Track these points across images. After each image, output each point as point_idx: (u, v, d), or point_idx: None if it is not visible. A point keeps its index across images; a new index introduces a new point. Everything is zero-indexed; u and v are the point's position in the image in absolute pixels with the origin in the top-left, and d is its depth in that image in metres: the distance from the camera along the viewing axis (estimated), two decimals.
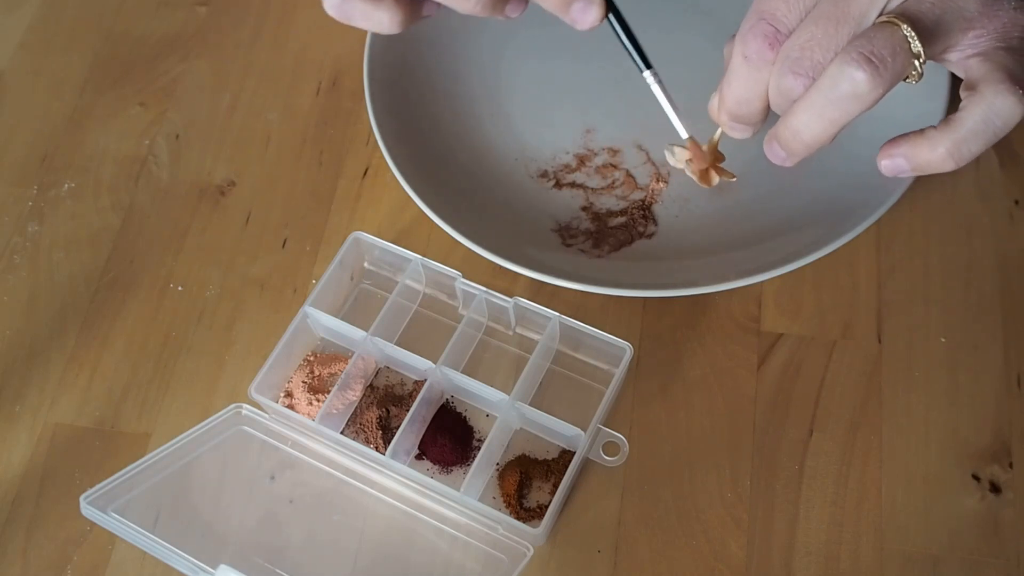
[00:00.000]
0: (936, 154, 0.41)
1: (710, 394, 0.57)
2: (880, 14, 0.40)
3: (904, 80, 0.40)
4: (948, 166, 0.41)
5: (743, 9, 0.44)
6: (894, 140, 0.42)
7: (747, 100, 0.44)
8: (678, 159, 0.51)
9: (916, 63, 0.39)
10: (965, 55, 0.41)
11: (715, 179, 0.50)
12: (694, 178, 0.50)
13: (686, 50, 0.69)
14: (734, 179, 0.50)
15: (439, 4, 0.46)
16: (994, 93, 0.40)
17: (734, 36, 0.44)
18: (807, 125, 0.41)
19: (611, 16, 0.47)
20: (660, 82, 0.49)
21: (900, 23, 0.39)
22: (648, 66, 0.49)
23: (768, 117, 0.45)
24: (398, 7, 0.45)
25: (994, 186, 0.63)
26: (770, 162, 0.45)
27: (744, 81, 0.43)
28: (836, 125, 0.40)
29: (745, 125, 0.46)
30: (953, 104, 0.59)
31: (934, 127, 0.41)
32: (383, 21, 0.45)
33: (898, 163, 0.42)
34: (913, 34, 0.39)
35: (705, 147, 0.50)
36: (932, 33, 0.40)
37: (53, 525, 0.55)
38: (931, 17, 0.40)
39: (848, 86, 0.39)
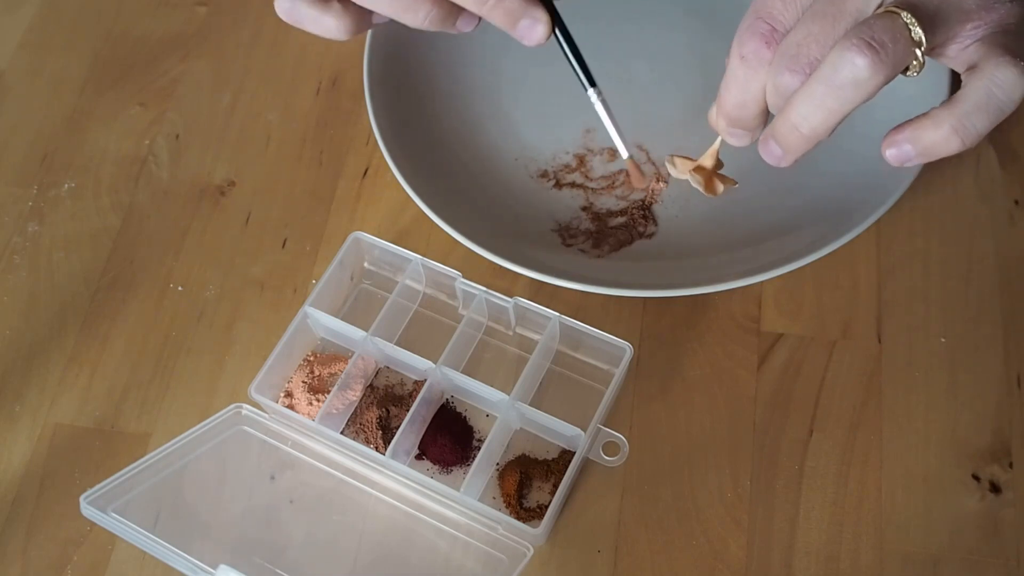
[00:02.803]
0: (940, 132, 0.40)
1: (710, 394, 0.57)
2: (877, 8, 0.40)
3: (905, 73, 0.40)
4: (954, 144, 0.40)
5: (743, 11, 0.44)
6: (897, 127, 0.42)
7: (744, 103, 0.43)
8: (680, 170, 0.50)
9: (917, 52, 0.39)
10: (963, 46, 0.41)
11: (720, 188, 0.50)
12: (700, 189, 0.50)
13: (687, 52, 0.69)
14: (736, 185, 0.50)
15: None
16: (995, 65, 0.39)
17: None
18: (806, 116, 0.40)
19: (557, 33, 0.47)
20: (604, 101, 0.48)
21: (899, 11, 0.39)
22: (592, 84, 0.48)
23: (766, 122, 0.45)
24: (346, 14, 0.46)
25: (994, 186, 0.63)
26: (770, 163, 0.45)
27: (741, 82, 0.43)
28: (836, 115, 0.40)
29: (743, 130, 0.45)
30: None
31: (936, 107, 0.41)
32: (331, 27, 0.46)
33: (904, 150, 0.41)
34: (913, 20, 0.39)
35: (706, 155, 0.50)
36: (932, 21, 0.39)
37: (53, 525, 0.55)
38: (930, 7, 0.40)
39: (849, 72, 0.38)
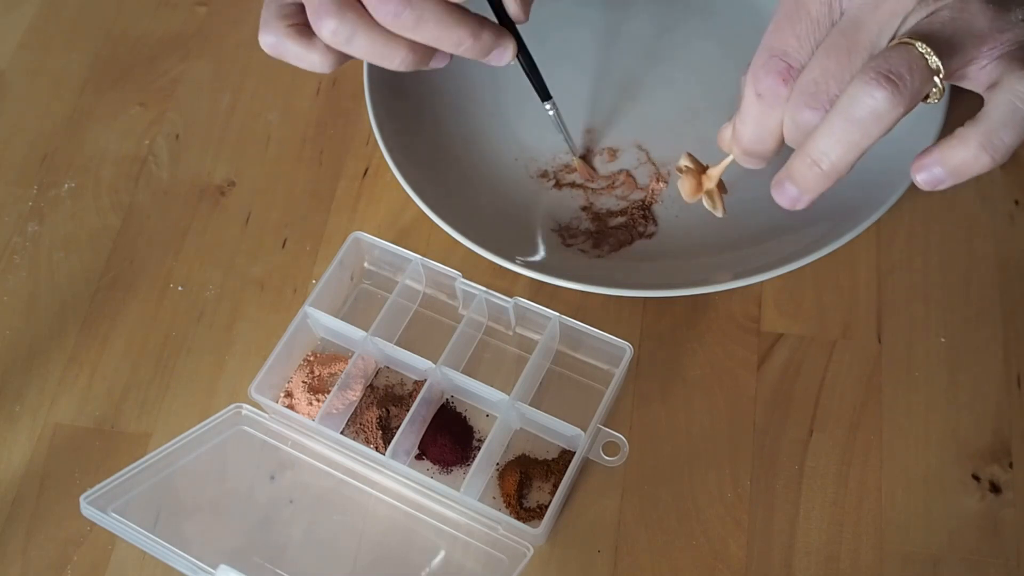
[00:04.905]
0: (969, 151, 0.40)
1: (710, 394, 0.57)
2: (891, 40, 0.40)
3: (926, 101, 0.40)
4: (984, 161, 0.40)
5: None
6: (924, 151, 0.41)
7: (761, 138, 0.43)
8: (689, 193, 0.50)
9: (936, 80, 0.39)
10: (982, 66, 0.41)
11: (697, 197, 0.49)
12: (713, 211, 0.49)
13: (687, 52, 0.69)
14: (722, 215, 0.49)
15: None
16: (1017, 79, 0.39)
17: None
18: (826, 152, 0.40)
19: (520, 56, 0.54)
20: (558, 112, 0.61)
21: (913, 41, 0.39)
22: (548, 97, 0.60)
23: (782, 149, 0.45)
24: (329, 51, 0.48)
25: (994, 187, 0.63)
26: (784, 206, 0.45)
27: (758, 119, 0.43)
28: (856, 149, 0.40)
29: (759, 159, 0.45)
30: (951, 115, 0.59)
31: (961, 127, 0.41)
32: (315, 62, 0.49)
33: (934, 172, 0.41)
34: (928, 50, 0.39)
35: (716, 171, 0.49)
36: (947, 48, 0.39)
37: (53, 525, 0.55)
38: (944, 34, 0.39)
39: (869, 105, 0.38)
